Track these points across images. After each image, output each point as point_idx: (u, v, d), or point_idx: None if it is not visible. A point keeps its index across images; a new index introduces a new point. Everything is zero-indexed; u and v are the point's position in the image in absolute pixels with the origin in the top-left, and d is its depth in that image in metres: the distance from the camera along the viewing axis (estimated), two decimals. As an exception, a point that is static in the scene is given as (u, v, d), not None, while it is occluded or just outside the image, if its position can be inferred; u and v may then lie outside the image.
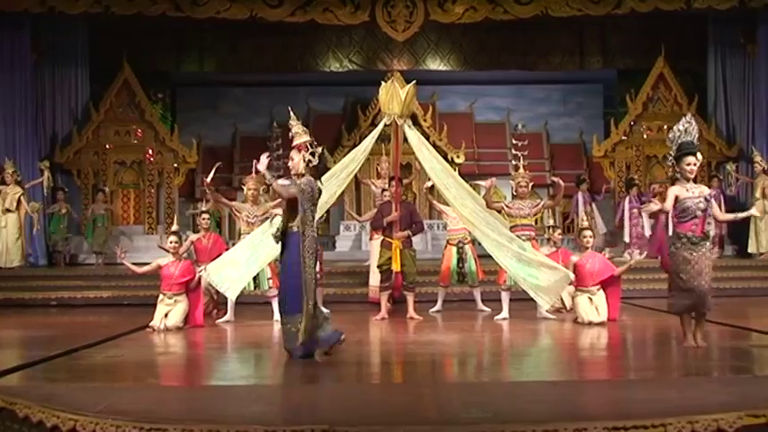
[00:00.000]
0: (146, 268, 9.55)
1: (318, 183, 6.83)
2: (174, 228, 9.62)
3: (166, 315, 9.08)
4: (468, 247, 10.78)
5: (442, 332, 9.20)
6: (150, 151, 16.48)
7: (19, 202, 13.95)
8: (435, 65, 17.53)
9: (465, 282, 10.82)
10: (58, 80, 16.59)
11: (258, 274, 9.54)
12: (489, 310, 10.43)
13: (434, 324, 9.67)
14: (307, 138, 6.90)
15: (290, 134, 6.94)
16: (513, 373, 6.59)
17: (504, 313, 9.78)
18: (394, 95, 9.51)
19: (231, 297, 9.23)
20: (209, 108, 19.25)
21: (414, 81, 9.75)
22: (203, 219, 10.48)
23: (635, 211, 14.77)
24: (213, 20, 14.76)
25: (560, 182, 9.76)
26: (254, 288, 9.76)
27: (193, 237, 10.30)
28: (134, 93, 16.48)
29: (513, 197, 10.10)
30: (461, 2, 14.62)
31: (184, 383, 6.42)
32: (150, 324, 9.02)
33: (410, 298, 9.93)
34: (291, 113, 7.08)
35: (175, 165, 16.44)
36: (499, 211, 9.79)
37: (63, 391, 5.65)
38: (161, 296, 9.22)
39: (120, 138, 16.53)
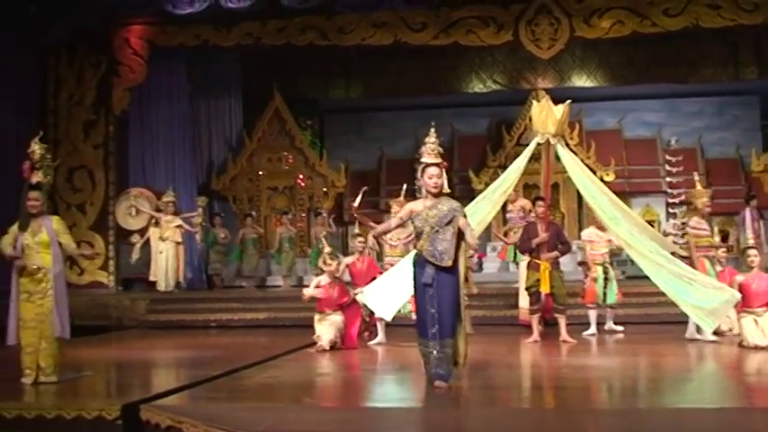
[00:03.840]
0: (341, 269, 9.83)
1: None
2: (329, 249, 9.88)
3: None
4: (610, 268, 10.66)
5: (597, 356, 9.00)
6: (301, 176, 17.02)
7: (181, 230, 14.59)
8: (581, 81, 17.24)
9: (604, 302, 10.62)
10: (213, 110, 17.45)
11: None
12: (622, 328, 10.34)
13: (588, 347, 9.46)
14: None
15: (429, 150, 6.84)
16: (673, 399, 6.35)
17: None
18: (548, 114, 9.41)
19: (387, 319, 9.33)
20: (355, 133, 19.65)
21: (569, 101, 9.63)
22: (358, 242, 10.50)
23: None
24: (359, 46, 15.07)
25: None
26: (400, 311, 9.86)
27: (348, 259, 10.46)
28: (285, 120, 17.14)
29: (687, 215, 9.82)
30: (608, 16, 14.33)
31: (341, 405, 6.55)
32: (315, 337, 9.28)
33: (562, 320, 9.77)
34: (432, 130, 7.07)
35: (324, 189, 16.91)
36: None
37: (225, 410, 5.90)
38: (318, 315, 9.46)
39: (273, 164, 17.20)
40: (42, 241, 7.19)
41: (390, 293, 8.84)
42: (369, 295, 9.05)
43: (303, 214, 17.00)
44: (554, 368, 8.03)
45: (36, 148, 7.39)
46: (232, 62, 17.18)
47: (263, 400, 6.47)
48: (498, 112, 18.47)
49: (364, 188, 11.49)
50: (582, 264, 10.98)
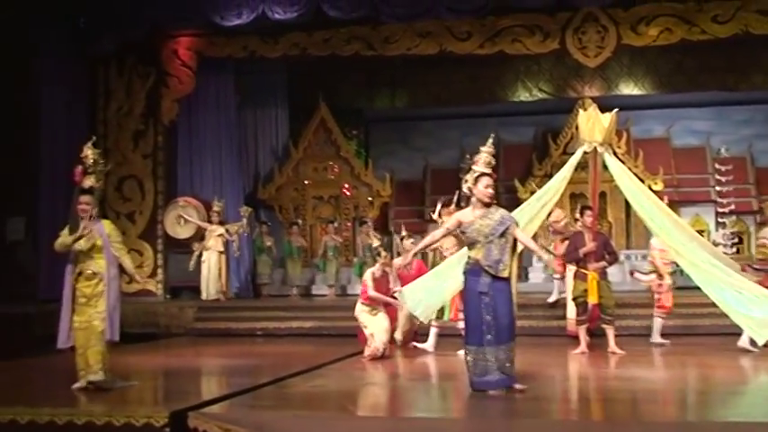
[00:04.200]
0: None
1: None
2: (378, 242, 10.02)
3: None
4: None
5: (645, 368, 8.86)
6: (346, 186, 17.10)
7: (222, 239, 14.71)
8: (629, 89, 17.06)
9: None
10: (259, 120, 17.62)
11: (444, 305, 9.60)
12: (668, 342, 10.21)
13: (637, 359, 9.30)
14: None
15: (486, 160, 6.88)
16: (723, 413, 6.24)
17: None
18: (596, 123, 9.32)
19: (423, 320, 9.25)
20: (400, 142, 19.67)
21: (616, 109, 9.53)
22: (411, 243, 10.55)
23: None
24: (404, 56, 15.09)
25: None
26: (439, 317, 9.82)
27: (396, 262, 10.47)
28: (330, 130, 17.25)
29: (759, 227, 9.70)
30: (655, 24, 14.17)
31: (386, 414, 6.55)
32: (367, 334, 9.34)
33: (610, 331, 9.64)
34: (490, 140, 7.06)
35: (370, 198, 16.94)
36: None
37: (272, 419, 5.94)
38: (366, 307, 9.48)
39: (318, 174, 17.29)
40: (96, 246, 7.25)
41: (429, 295, 8.81)
42: (407, 294, 9.03)
43: (348, 223, 17.05)
44: (602, 380, 7.94)
45: (89, 152, 7.47)
46: (278, 73, 17.35)
47: (308, 409, 6.49)
48: (544, 121, 18.36)
49: (442, 198, 11.53)
50: (652, 272, 10.75)
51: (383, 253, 9.69)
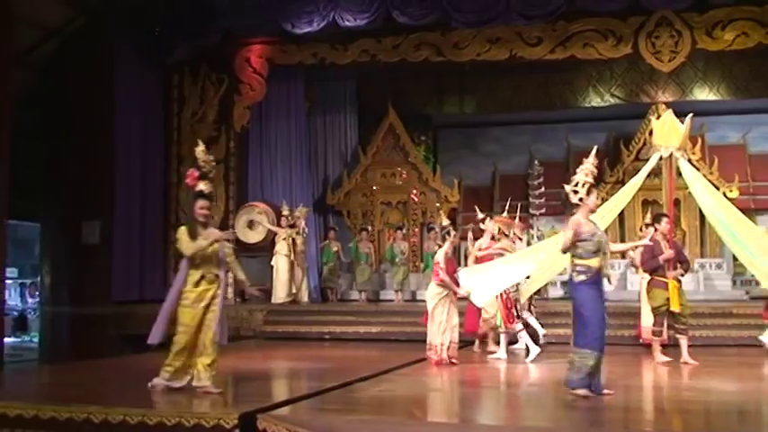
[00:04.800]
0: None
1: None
2: (447, 221, 10.12)
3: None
4: None
5: (721, 379, 8.60)
6: (414, 192, 17.09)
7: (293, 243, 14.85)
8: (703, 95, 16.68)
9: None
10: (329, 126, 17.79)
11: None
12: None
13: (711, 369, 9.05)
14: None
15: (592, 171, 7.00)
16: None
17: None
18: (671, 128, 9.16)
19: (477, 304, 9.38)
20: (468, 148, 19.56)
21: (691, 114, 9.34)
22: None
23: None
24: (473, 62, 15.02)
25: None
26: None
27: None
28: (399, 136, 17.28)
29: None
30: (731, 28, 13.83)
31: (455, 420, 6.49)
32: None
33: (683, 341, 9.40)
34: (594, 152, 7.16)
35: (438, 204, 16.88)
36: None
37: (340, 422, 5.94)
38: (439, 289, 9.32)
39: (387, 179, 17.34)
40: (214, 249, 7.26)
41: (488, 281, 8.88)
42: (464, 275, 9.01)
43: (416, 229, 17.03)
44: (675, 390, 7.74)
45: (202, 155, 7.39)
46: (348, 79, 17.48)
47: (375, 414, 6.48)
48: (616, 127, 18.03)
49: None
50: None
51: (453, 231, 9.66)
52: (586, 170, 6.98)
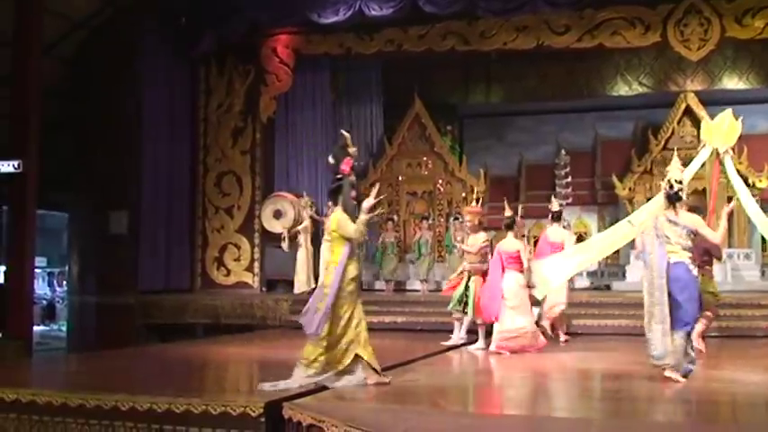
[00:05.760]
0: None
1: None
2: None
3: None
4: None
5: (748, 370, 8.49)
6: (440, 182, 17.06)
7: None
8: (732, 83, 16.49)
9: None
10: (354, 116, 17.75)
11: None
12: None
13: (739, 360, 8.95)
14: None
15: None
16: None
17: None
18: (730, 128, 9.38)
19: (538, 297, 9.84)
20: (494, 138, 19.48)
21: (740, 117, 9.50)
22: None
23: None
24: (500, 50, 14.95)
25: None
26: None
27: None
28: (424, 126, 17.23)
29: None
30: (761, 15, 13.64)
31: (480, 410, 6.49)
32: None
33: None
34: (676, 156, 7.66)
35: (464, 195, 16.83)
36: None
37: (365, 411, 5.96)
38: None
39: (412, 170, 17.32)
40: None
41: (561, 261, 9.38)
42: (536, 266, 9.41)
43: (442, 219, 17.01)
44: (703, 381, 7.66)
45: (349, 143, 7.15)
46: (373, 69, 17.44)
47: (400, 403, 6.48)
48: (644, 116, 17.88)
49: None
50: None
51: (520, 219, 9.81)
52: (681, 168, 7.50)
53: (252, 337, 12.28)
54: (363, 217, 6.87)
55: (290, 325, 12.92)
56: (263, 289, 15.40)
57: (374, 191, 7.19)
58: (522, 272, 9.51)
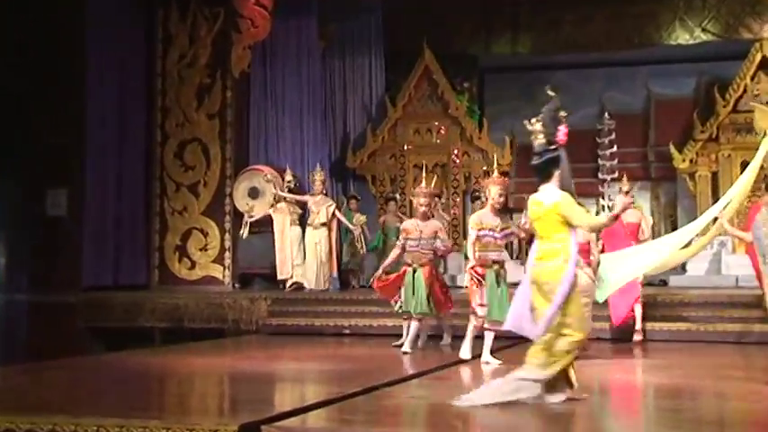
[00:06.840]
0: None
1: None
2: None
3: None
4: None
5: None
6: (456, 152, 17.00)
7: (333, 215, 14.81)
8: (819, 28, 16.47)
9: None
10: (348, 71, 17.73)
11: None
12: None
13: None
14: None
15: None
16: None
17: None
18: None
19: (599, 300, 9.94)
20: (523, 98, 19.33)
21: None
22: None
23: None
24: (529, -11, 14.93)
25: None
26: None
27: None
28: (436, 82, 17.19)
29: None
30: None
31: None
32: None
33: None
34: None
35: (485, 168, 16.75)
36: None
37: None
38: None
39: (421, 137, 17.31)
40: None
41: (626, 262, 9.77)
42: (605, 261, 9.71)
43: (458, 198, 16.98)
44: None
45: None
46: (372, 13, 17.36)
47: (407, 426, 6.48)
48: (709, 70, 17.85)
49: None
50: None
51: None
52: None
53: (222, 344, 12.27)
54: (605, 217, 7.34)
55: (270, 330, 12.95)
56: (236, 285, 15.39)
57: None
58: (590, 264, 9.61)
